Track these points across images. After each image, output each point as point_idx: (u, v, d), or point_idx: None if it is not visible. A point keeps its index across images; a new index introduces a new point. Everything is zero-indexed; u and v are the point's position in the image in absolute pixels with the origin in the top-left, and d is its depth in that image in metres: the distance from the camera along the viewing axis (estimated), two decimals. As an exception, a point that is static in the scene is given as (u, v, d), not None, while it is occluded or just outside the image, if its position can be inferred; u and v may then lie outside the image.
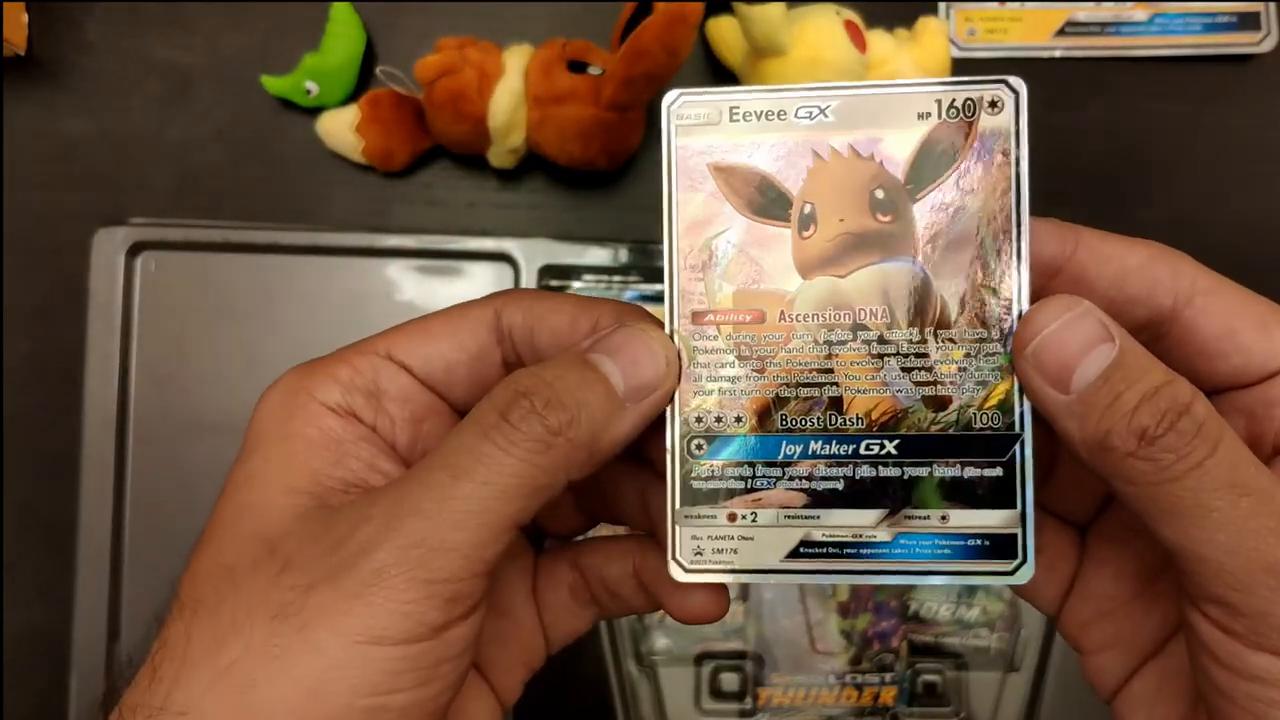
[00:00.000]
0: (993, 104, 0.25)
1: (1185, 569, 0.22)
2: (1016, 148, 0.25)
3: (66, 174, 0.54)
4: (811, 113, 0.25)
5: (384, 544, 0.22)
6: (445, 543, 0.22)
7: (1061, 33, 0.57)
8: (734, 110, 0.25)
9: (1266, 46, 0.56)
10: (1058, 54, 0.57)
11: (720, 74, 0.55)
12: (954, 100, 0.25)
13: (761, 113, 0.25)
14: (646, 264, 0.52)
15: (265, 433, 0.25)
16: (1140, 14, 0.57)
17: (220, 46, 0.55)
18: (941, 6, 0.57)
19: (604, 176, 0.54)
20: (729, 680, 0.50)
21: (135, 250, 0.51)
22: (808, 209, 0.25)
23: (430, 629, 0.22)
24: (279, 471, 0.25)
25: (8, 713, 0.51)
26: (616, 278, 0.52)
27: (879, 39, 0.52)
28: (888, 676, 0.50)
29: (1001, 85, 0.25)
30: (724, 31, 0.53)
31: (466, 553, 0.22)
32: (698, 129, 0.25)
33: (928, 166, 0.25)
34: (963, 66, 0.56)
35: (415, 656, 0.22)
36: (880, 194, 0.25)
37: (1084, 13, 0.57)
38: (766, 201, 0.25)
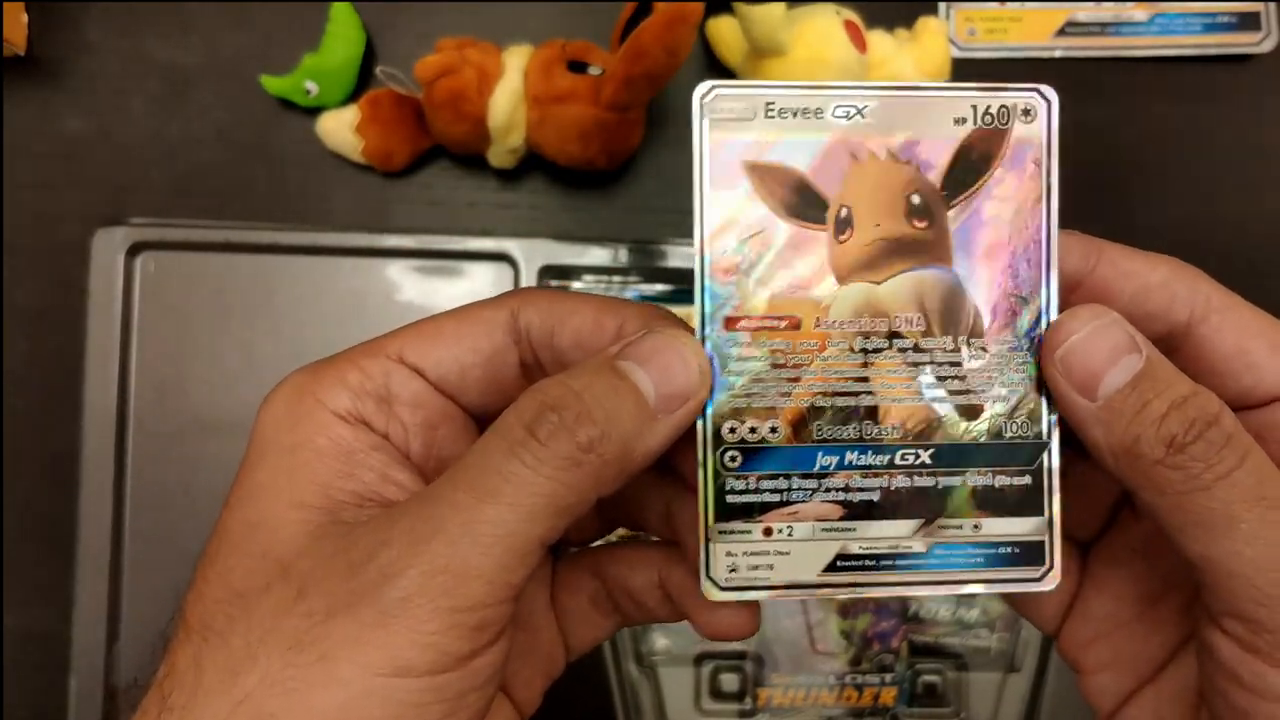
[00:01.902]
0: (1026, 112, 0.24)
1: (1208, 584, 0.22)
2: (1047, 157, 0.24)
3: (66, 174, 0.54)
4: (849, 112, 0.24)
5: (406, 570, 0.21)
6: (470, 569, 0.21)
7: (1062, 33, 0.57)
8: (769, 106, 0.24)
9: (1266, 46, 0.56)
10: (1058, 54, 0.57)
11: (720, 74, 0.55)
12: (989, 106, 0.24)
13: (798, 110, 0.24)
14: (646, 264, 0.52)
15: (270, 442, 0.24)
16: (1140, 14, 0.57)
17: (220, 46, 0.55)
18: (941, 6, 0.57)
19: (604, 176, 0.54)
20: (729, 681, 0.50)
21: (135, 250, 0.51)
22: (844, 212, 0.24)
23: (456, 659, 0.21)
24: (287, 484, 0.23)
25: (8, 713, 0.51)
26: (616, 278, 0.52)
27: (879, 39, 0.52)
28: (888, 677, 0.50)
29: (1034, 93, 0.24)
30: (724, 31, 0.53)
31: (492, 578, 0.21)
32: (731, 124, 0.24)
33: (963, 173, 0.24)
34: (963, 67, 0.56)
35: (440, 688, 0.21)
36: (916, 199, 0.24)
37: (1084, 13, 0.57)
38: (802, 203, 0.24)
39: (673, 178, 0.55)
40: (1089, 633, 0.27)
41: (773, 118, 0.24)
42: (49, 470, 0.51)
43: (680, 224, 0.54)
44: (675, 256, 0.51)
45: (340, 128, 0.53)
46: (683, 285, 0.52)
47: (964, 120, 0.24)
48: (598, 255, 0.51)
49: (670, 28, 0.46)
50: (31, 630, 0.51)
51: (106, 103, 0.55)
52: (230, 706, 0.21)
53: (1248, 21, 0.57)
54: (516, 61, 0.51)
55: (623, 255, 0.51)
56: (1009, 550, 0.25)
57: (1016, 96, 0.24)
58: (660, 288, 0.52)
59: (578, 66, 0.50)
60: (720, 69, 0.55)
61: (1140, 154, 0.57)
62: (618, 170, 0.54)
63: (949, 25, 0.56)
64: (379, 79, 0.52)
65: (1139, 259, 0.24)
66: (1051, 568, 0.25)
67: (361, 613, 0.21)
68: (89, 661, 0.49)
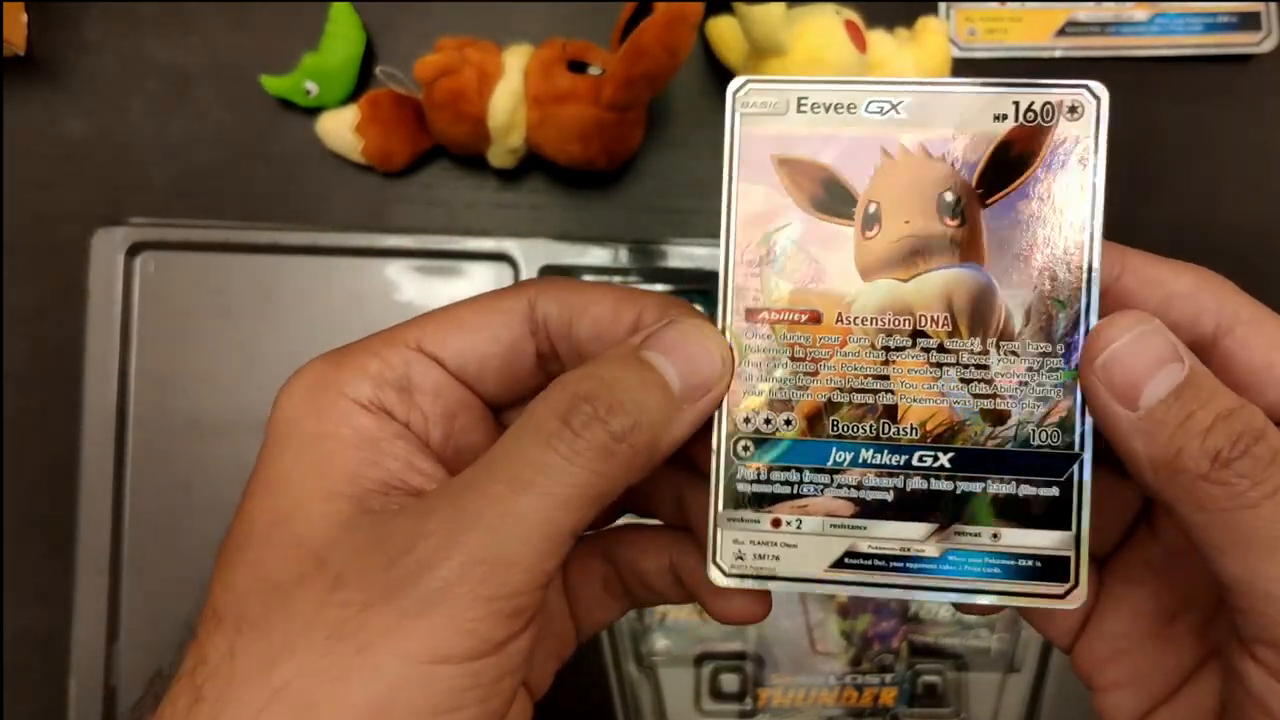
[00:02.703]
0: (1072, 109, 0.24)
1: (1242, 607, 0.21)
2: (1094, 156, 0.24)
3: (66, 174, 0.54)
4: (883, 107, 0.24)
5: (445, 561, 0.21)
6: (508, 558, 0.21)
7: (1062, 33, 0.57)
8: (802, 101, 0.24)
9: (1266, 46, 0.56)
10: (1058, 54, 0.57)
11: (720, 74, 0.55)
12: (1032, 103, 0.24)
13: (831, 105, 0.24)
14: (646, 264, 0.52)
15: (293, 431, 0.24)
16: (1140, 14, 0.57)
17: (220, 46, 0.55)
18: (942, 6, 0.57)
19: (604, 176, 0.54)
20: (729, 681, 0.50)
21: (134, 250, 0.51)
22: (872, 208, 0.24)
23: (493, 645, 0.22)
24: (314, 474, 0.23)
25: (8, 714, 0.51)
26: (616, 278, 0.52)
27: (879, 39, 0.52)
28: (888, 677, 0.50)
29: (1083, 90, 0.24)
30: (724, 31, 0.53)
31: (528, 566, 0.22)
32: (763, 118, 0.24)
33: (1001, 171, 0.24)
34: (963, 67, 0.56)
35: (478, 673, 0.21)
36: (949, 197, 0.24)
37: (1084, 13, 0.57)
38: (830, 198, 0.24)
39: (673, 178, 0.55)
40: (1104, 650, 0.26)
41: (805, 112, 0.24)
42: (49, 470, 0.51)
43: (680, 224, 0.54)
44: (675, 256, 0.51)
45: (340, 128, 0.53)
46: (683, 285, 0.52)
47: (1004, 117, 0.24)
48: (598, 255, 0.51)
49: (670, 28, 0.46)
50: (31, 630, 0.51)
51: (106, 103, 0.55)
52: (268, 696, 0.21)
53: (1248, 21, 0.57)
54: (516, 61, 0.51)
55: (623, 255, 0.51)
56: (1030, 563, 0.24)
57: (1062, 93, 0.24)
58: (660, 288, 0.52)
59: (578, 66, 0.50)
60: (720, 69, 0.55)
61: (1140, 154, 0.57)
62: (618, 170, 0.54)
63: (949, 25, 0.56)
64: (379, 79, 0.52)
65: (1164, 267, 0.24)
66: (1077, 585, 0.24)
67: (401, 603, 0.21)
68: (89, 661, 0.48)
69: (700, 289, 0.51)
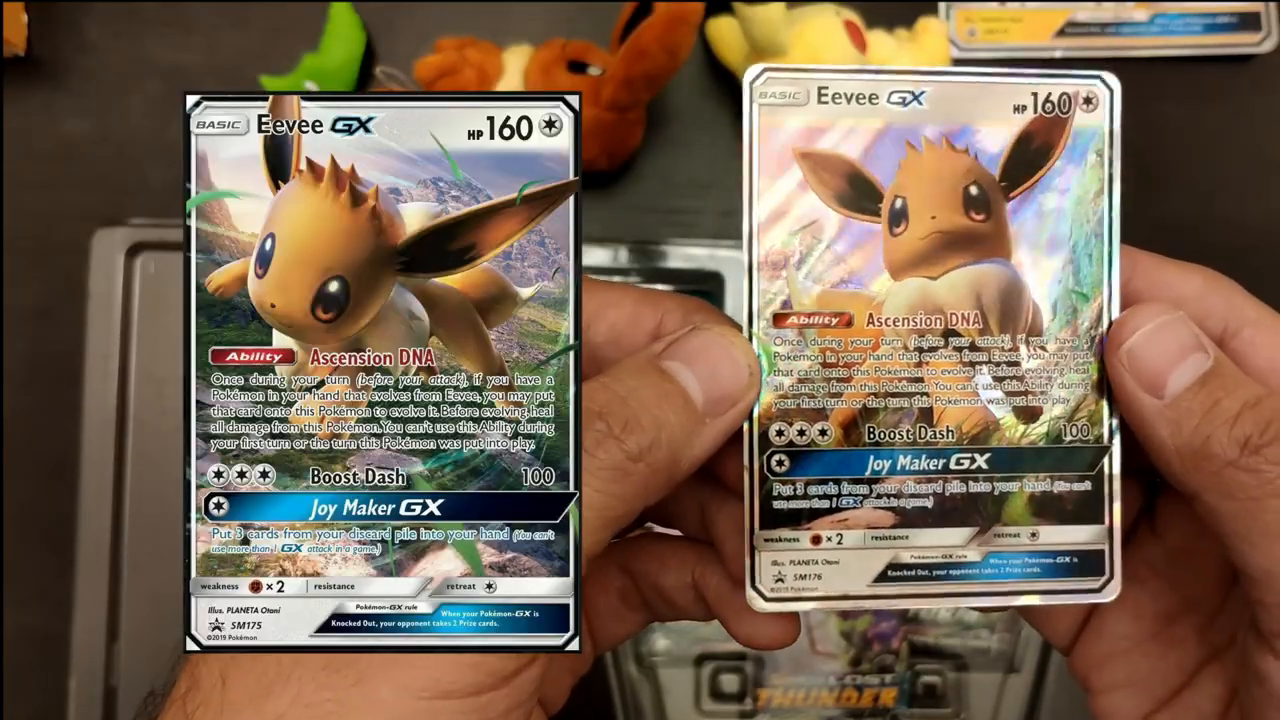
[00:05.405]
0: (1087, 100, 0.24)
1: (1270, 601, 0.21)
2: (1110, 148, 0.24)
3: (66, 174, 0.54)
4: (905, 98, 0.23)
5: None
6: None
7: (1062, 33, 0.57)
8: (823, 90, 0.23)
9: (1266, 46, 0.56)
10: (1058, 54, 0.57)
11: (720, 74, 0.55)
12: (1049, 94, 0.23)
13: (852, 95, 0.23)
14: (646, 264, 0.52)
15: None
16: (1140, 14, 0.57)
17: (220, 46, 0.55)
18: (942, 7, 0.57)
19: (604, 176, 0.54)
20: (729, 681, 0.50)
21: (135, 251, 0.51)
22: (899, 204, 0.23)
23: (500, 678, 0.21)
24: None
25: (8, 713, 0.51)
26: (616, 278, 0.52)
27: (879, 39, 0.52)
28: (888, 678, 0.50)
29: (1096, 81, 0.24)
30: (724, 31, 0.53)
31: None
32: (783, 109, 0.23)
33: (1022, 163, 0.23)
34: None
35: (484, 707, 0.20)
36: (974, 190, 0.23)
37: (1084, 13, 0.57)
38: (856, 193, 0.23)
39: (673, 178, 0.55)
40: (1103, 651, 0.26)
41: (825, 103, 0.23)
42: (49, 470, 0.51)
43: (680, 224, 0.54)
44: (675, 257, 0.51)
45: (340, 128, 0.53)
46: (683, 285, 0.52)
47: (1024, 108, 0.23)
48: (598, 255, 0.51)
49: (670, 28, 0.46)
50: (31, 630, 0.51)
51: (106, 103, 0.54)
52: None
53: (1248, 21, 0.57)
54: (517, 62, 0.51)
55: (623, 255, 0.51)
56: (1067, 560, 0.23)
57: (1078, 84, 0.24)
58: (660, 288, 0.52)
59: (578, 66, 0.50)
60: (720, 69, 0.55)
61: (1140, 154, 0.57)
62: (618, 170, 0.54)
63: (949, 25, 0.56)
64: (379, 79, 0.52)
65: (1173, 269, 0.24)
66: (1111, 578, 0.24)
67: None
68: (89, 661, 0.48)
69: (701, 289, 0.51)
